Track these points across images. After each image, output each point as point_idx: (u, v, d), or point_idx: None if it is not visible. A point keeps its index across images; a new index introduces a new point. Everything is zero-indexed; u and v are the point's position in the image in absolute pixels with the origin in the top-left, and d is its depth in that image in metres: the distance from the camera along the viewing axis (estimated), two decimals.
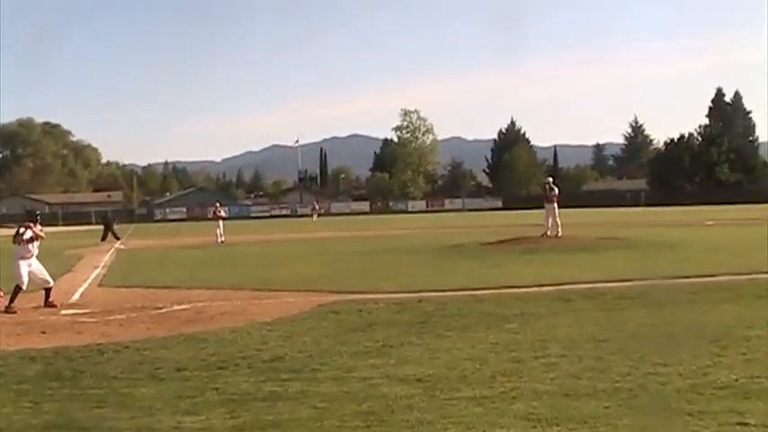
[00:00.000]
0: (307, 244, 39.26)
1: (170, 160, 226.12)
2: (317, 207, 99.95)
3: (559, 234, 29.22)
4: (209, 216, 50.99)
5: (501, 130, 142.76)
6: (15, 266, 15.92)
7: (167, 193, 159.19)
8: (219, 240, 40.76)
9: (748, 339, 10.02)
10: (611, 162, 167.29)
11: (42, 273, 16.22)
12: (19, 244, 16.05)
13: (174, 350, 10.70)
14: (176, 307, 15.24)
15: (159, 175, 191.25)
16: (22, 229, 16.10)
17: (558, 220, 29.51)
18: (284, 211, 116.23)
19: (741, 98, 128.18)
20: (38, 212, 17.30)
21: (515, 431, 6.49)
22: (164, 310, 14.88)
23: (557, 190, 30.35)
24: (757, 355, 9.09)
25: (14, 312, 15.12)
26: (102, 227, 48.65)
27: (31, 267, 16.01)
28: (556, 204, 29.77)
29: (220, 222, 42.24)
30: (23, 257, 15.99)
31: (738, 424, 6.49)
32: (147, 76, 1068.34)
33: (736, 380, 7.94)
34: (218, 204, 45.06)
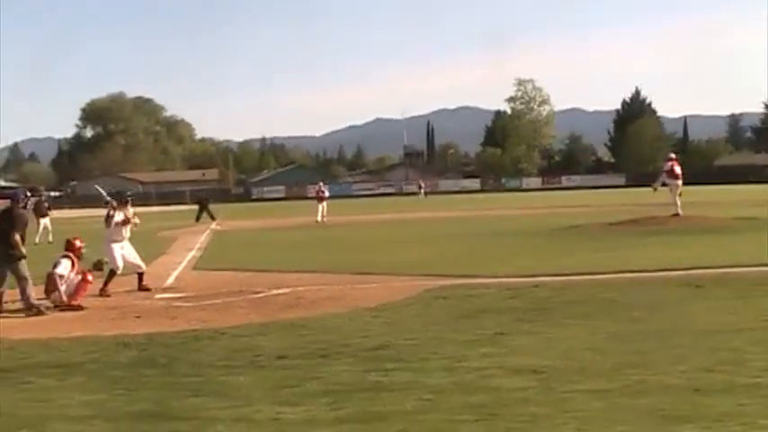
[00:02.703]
0: (412, 225, 39.37)
1: (267, 136, 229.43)
2: (423, 185, 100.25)
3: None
4: (312, 195, 51.70)
5: (624, 101, 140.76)
6: (108, 250, 16.38)
7: (264, 171, 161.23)
8: (322, 220, 41.22)
9: None
10: (748, 134, 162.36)
11: (134, 257, 16.67)
12: (110, 227, 16.53)
13: (272, 337, 10.87)
14: (275, 291, 15.46)
15: (256, 152, 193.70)
16: (112, 212, 16.56)
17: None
18: (389, 190, 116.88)
19: None
20: (129, 194, 17.74)
21: (640, 429, 6.40)
22: (262, 295, 15.11)
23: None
24: None
25: (108, 296, 15.61)
26: (196, 207, 49.67)
27: (123, 250, 16.47)
28: (680, 181, 29.42)
29: (324, 203, 42.75)
30: (115, 240, 16.46)
31: None
32: (242, 46, 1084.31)
33: None
34: (320, 184, 45.88)
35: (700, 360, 8.56)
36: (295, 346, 10.17)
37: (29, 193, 16.43)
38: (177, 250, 26.56)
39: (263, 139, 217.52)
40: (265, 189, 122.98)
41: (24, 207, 15.20)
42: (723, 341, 9.47)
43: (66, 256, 15.00)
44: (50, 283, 14.50)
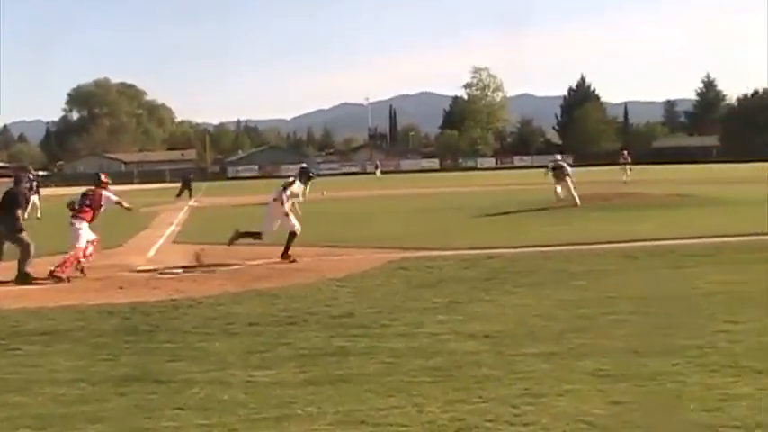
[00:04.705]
0: (376, 201, 39.37)
1: (242, 119, 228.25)
2: (379, 164, 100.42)
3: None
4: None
5: (571, 87, 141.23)
6: (279, 220, 16.54)
7: (239, 152, 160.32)
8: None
9: None
10: (682, 119, 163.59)
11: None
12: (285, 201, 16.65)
13: (246, 306, 10.85)
14: (249, 263, 15.42)
15: (231, 134, 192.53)
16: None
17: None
18: (353, 169, 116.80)
19: None
20: (313, 173, 17.68)
21: (583, 387, 6.46)
22: (237, 267, 15.06)
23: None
24: None
25: (294, 261, 15.67)
26: (179, 184, 49.28)
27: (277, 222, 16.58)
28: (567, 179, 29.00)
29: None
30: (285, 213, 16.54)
31: None
32: (216, 33, 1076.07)
33: None
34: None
35: (636, 325, 8.67)
36: (266, 314, 10.17)
37: (31, 175, 16.68)
38: (159, 225, 26.36)
39: (238, 122, 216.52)
40: (240, 168, 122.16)
41: (31, 189, 15.44)
42: (658, 308, 9.62)
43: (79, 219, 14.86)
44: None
